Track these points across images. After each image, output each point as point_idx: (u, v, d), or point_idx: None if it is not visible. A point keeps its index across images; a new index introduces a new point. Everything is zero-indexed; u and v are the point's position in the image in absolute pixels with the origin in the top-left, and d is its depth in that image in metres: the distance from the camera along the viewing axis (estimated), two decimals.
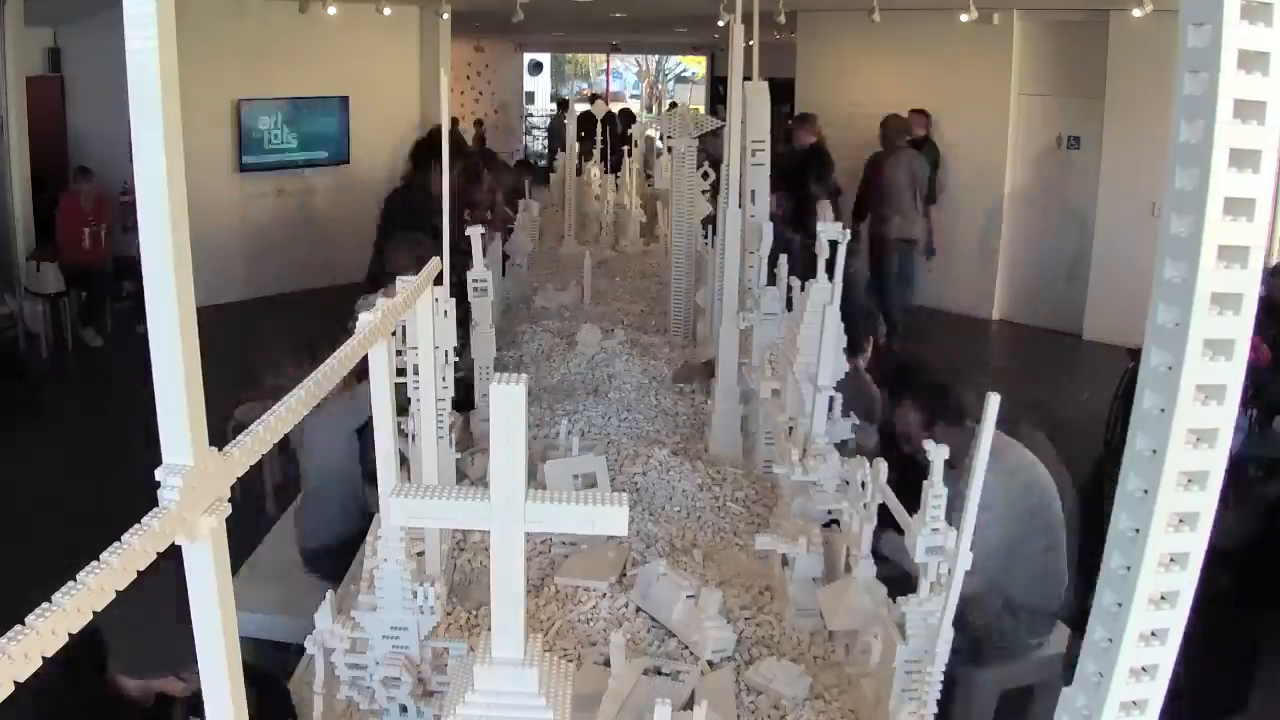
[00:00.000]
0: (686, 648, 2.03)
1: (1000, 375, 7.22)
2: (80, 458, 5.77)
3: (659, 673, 1.93)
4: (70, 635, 0.65)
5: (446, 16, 10.82)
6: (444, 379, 2.26)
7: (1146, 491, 0.76)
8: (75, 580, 0.67)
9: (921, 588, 1.63)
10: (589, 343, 3.78)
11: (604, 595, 2.21)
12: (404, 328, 2.18)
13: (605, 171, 6.31)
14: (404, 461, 2.23)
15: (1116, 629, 0.79)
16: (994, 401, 1.37)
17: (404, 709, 1.76)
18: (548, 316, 4.38)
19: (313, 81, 9.84)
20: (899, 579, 1.84)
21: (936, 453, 1.58)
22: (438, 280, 2.23)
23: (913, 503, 1.66)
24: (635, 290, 4.94)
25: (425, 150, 6.91)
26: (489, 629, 1.21)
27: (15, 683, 0.60)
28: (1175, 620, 0.80)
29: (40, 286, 7.65)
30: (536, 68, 19.83)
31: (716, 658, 1.98)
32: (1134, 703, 0.81)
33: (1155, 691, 0.81)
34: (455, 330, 2.38)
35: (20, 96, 8.13)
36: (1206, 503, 0.76)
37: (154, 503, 0.78)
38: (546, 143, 16.17)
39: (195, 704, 1.01)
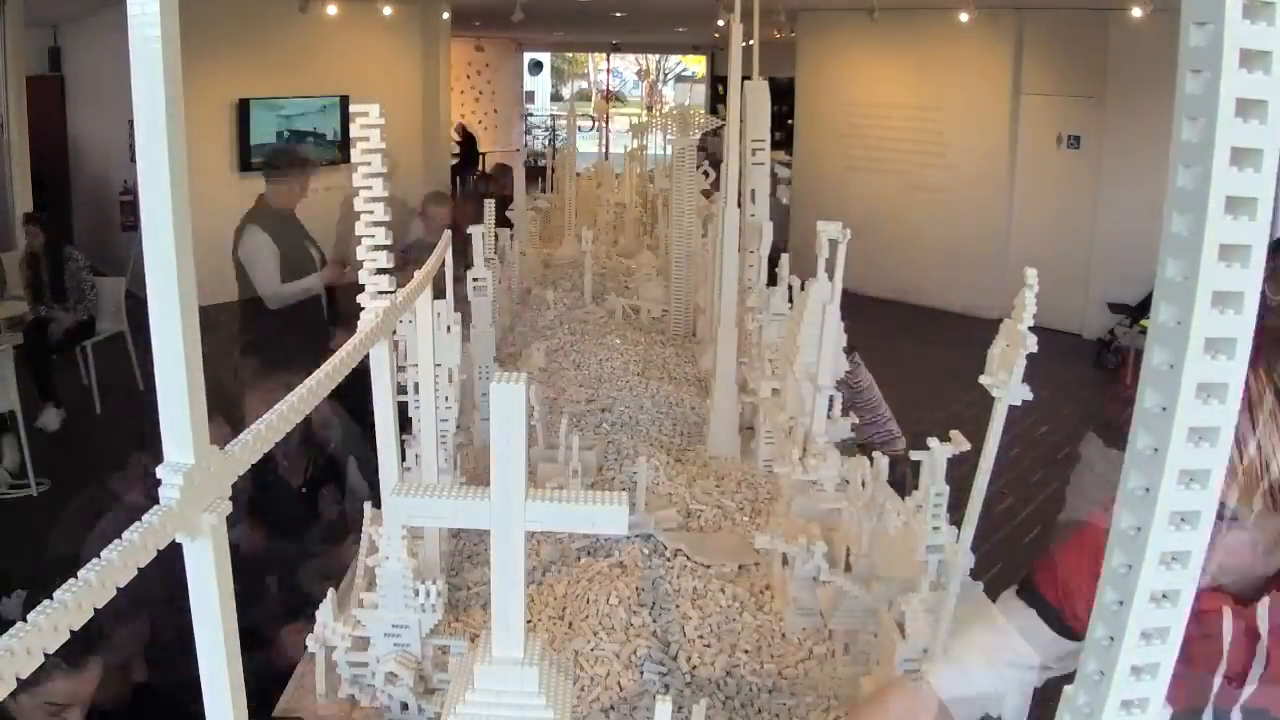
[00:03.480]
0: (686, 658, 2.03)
1: None
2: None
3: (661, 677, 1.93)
4: (71, 631, 0.65)
5: (446, 16, 10.84)
6: (446, 399, 2.22)
7: (1147, 490, 0.76)
8: (76, 577, 0.67)
9: (922, 586, 1.63)
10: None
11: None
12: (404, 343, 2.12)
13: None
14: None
15: (1117, 627, 0.79)
16: (1002, 408, 1.38)
17: (405, 706, 1.76)
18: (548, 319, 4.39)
19: (313, 81, 9.85)
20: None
21: (939, 451, 1.58)
22: (440, 292, 2.18)
23: None
24: (634, 289, 4.94)
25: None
26: (489, 626, 1.21)
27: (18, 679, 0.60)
28: (1176, 619, 0.80)
29: None
30: (536, 67, 19.85)
31: None
32: (1135, 701, 0.81)
33: (1156, 690, 0.82)
34: (459, 346, 2.31)
35: (20, 96, 8.15)
36: (1208, 501, 0.76)
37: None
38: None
39: None
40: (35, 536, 3.01)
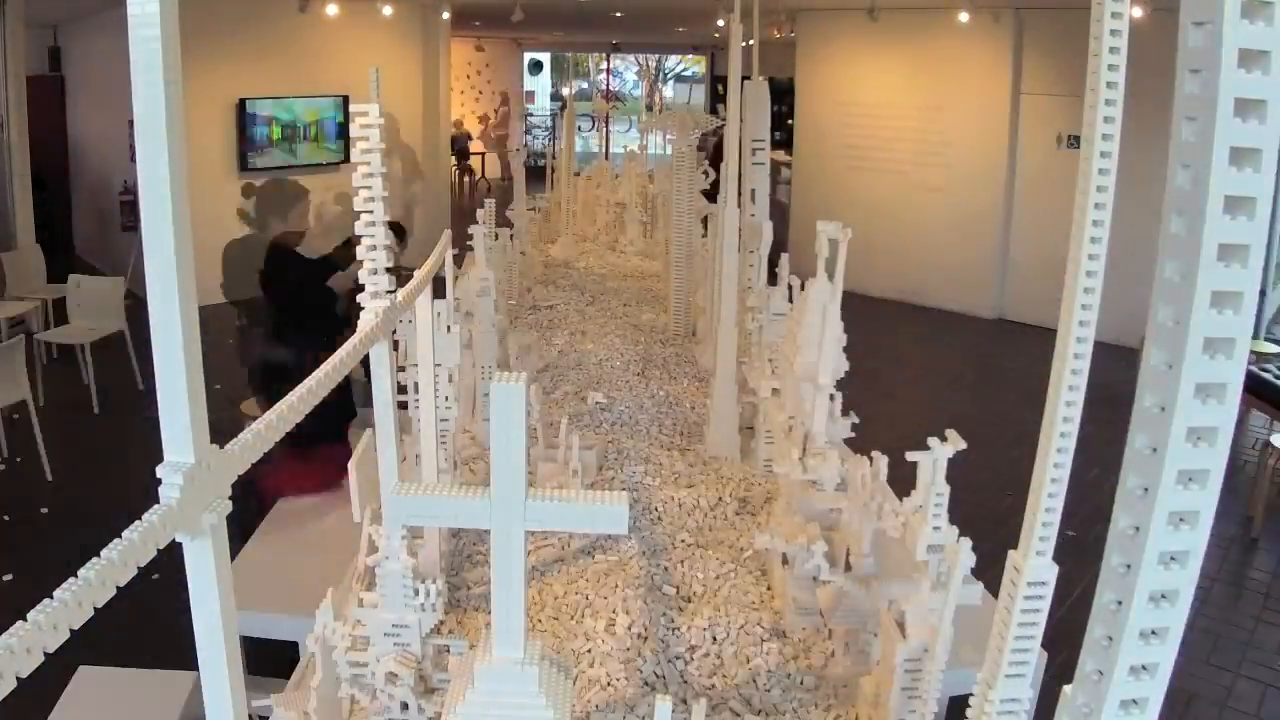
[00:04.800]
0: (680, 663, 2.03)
1: (1001, 375, 7.22)
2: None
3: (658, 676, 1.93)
4: (71, 630, 0.65)
5: (446, 16, 10.83)
6: (446, 398, 2.22)
7: (1146, 490, 0.76)
8: (77, 575, 0.67)
9: (922, 586, 1.63)
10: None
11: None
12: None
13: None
14: None
15: (1116, 627, 0.79)
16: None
17: (405, 706, 1.76)
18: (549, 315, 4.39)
19: (313, 81, 9.83)
20: None
21: (939, 451, 1.58)
22: (440, 292, 2.18)
23: None
24: (634, 289, 4.94)
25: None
26: (489, 626, 1.21)
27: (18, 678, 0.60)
28: (1175, 619, 0.79)
29: None
30: (536, 67, 19.83)
31: None
32: (1134, 701, 0.81)
33: (1155, 690, 0.82)
34: (459, 346, 2.29)
35: (20, 96, 8.13)
36: (1207, 501, 0.76)
37: None
38: None
39: None
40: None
